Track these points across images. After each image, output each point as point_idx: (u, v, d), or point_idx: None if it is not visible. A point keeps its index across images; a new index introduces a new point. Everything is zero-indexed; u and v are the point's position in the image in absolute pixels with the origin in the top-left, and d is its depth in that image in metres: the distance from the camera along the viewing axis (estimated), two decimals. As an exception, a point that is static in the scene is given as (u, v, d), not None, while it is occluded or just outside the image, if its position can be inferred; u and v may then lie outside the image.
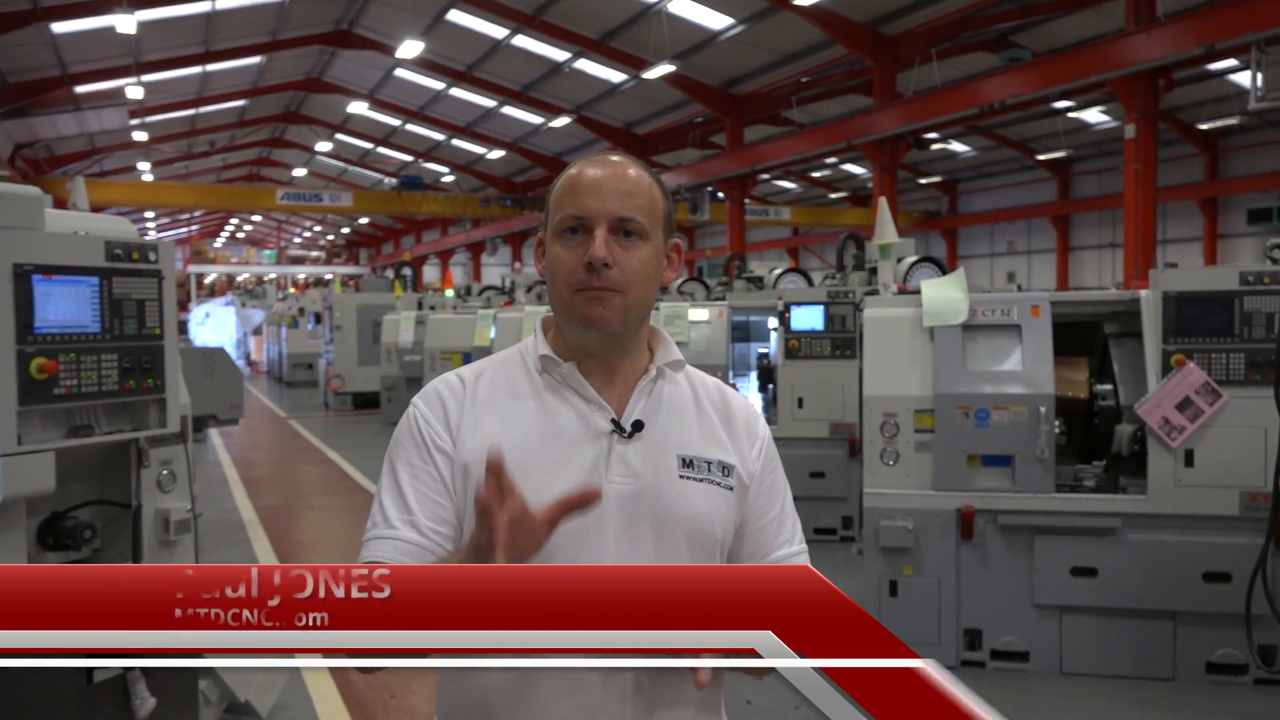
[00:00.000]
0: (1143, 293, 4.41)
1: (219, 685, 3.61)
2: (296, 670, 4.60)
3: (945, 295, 4.54)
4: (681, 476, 1.49)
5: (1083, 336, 4.88)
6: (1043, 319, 4.45)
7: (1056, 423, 4.38)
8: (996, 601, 4.46)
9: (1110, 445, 4.54)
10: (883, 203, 4.97)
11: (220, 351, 7.59)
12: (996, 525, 4.42)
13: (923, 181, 32.19)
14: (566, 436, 1.46)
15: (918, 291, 4.99)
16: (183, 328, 25.26)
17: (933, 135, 20.45)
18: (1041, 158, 28.60)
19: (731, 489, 1.53)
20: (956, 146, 28.54)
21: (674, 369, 1.56)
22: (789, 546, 1.62)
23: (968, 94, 17.11)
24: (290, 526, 8.16)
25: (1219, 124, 24.23)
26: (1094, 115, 24.82)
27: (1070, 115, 24.19)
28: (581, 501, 1.30)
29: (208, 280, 53.19)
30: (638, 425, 1.48)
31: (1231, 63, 19.23)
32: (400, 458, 1.48)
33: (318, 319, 20.82)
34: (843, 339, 7.01)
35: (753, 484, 1.57)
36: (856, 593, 5.98)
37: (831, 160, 28.79)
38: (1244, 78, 21.13)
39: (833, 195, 35.88)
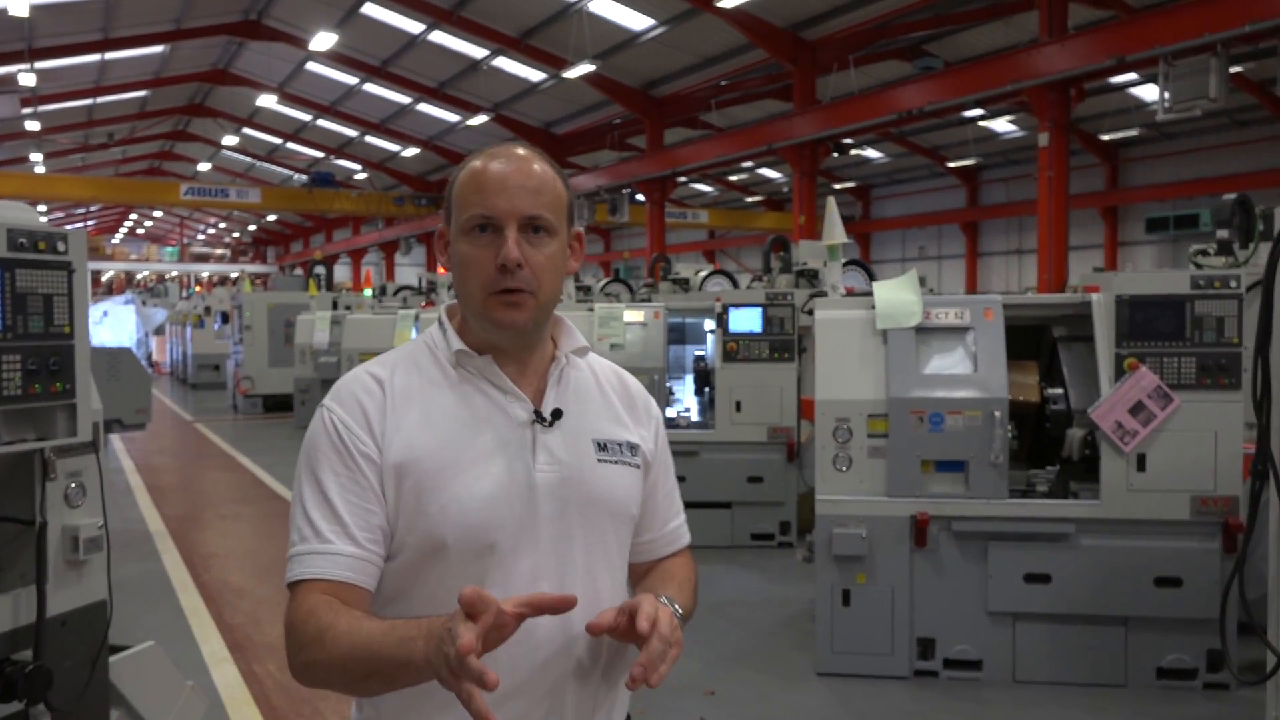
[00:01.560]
0: (1094, 296, 4.37)
1: (131, 716, 3.31)
2: (217, 698, 4.29)
3: (898, 297, 4.45)
4: (599, 460, 1.53)
5: (1030, 340, 4.84)
6: (995, 321, 4.39)
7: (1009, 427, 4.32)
8: (950, 609, 4.37)
9: (1061, 450, 4.49)
10: (831, 203, 4.86)
11: (126, 352, 7.13)
12: (950, 532, 4.34)
13: (838, 187, 32.65)
14: (490, 429, 1.46)
15: (866, 293, 4.90)
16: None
17: (849, 141, 20.67)
18: (952, 165, 29.24)
19: (639, 467, 1.59)
20: (870, 153, 29.05)
21: (579, 355, 1.61)
22: (678, 518, 1.73)
23: (887, 100, 17.32)
24: (201, 537, 7.73)
25: (1120, 135, 25.04)
26: (1002, 125, 25.51)
27: (980, 124, 24.78)
28: (558, 607, 1.27)
29: (105, 278, 51.23)
30: (557, 413, 1.50)
31: (1132, 76, 19.95)
32: (322, 466, 1.42)
33: (225, 318, 20.08)
34: (781, 341, 6.90)
35: (654, 461, 1.64)
36: (805, 601, 5.94)
37: (748, 164, 29.06)
38: (1145, 91, 21.97)
39: (749, 199, 36.19)
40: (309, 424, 1.48)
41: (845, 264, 10.67)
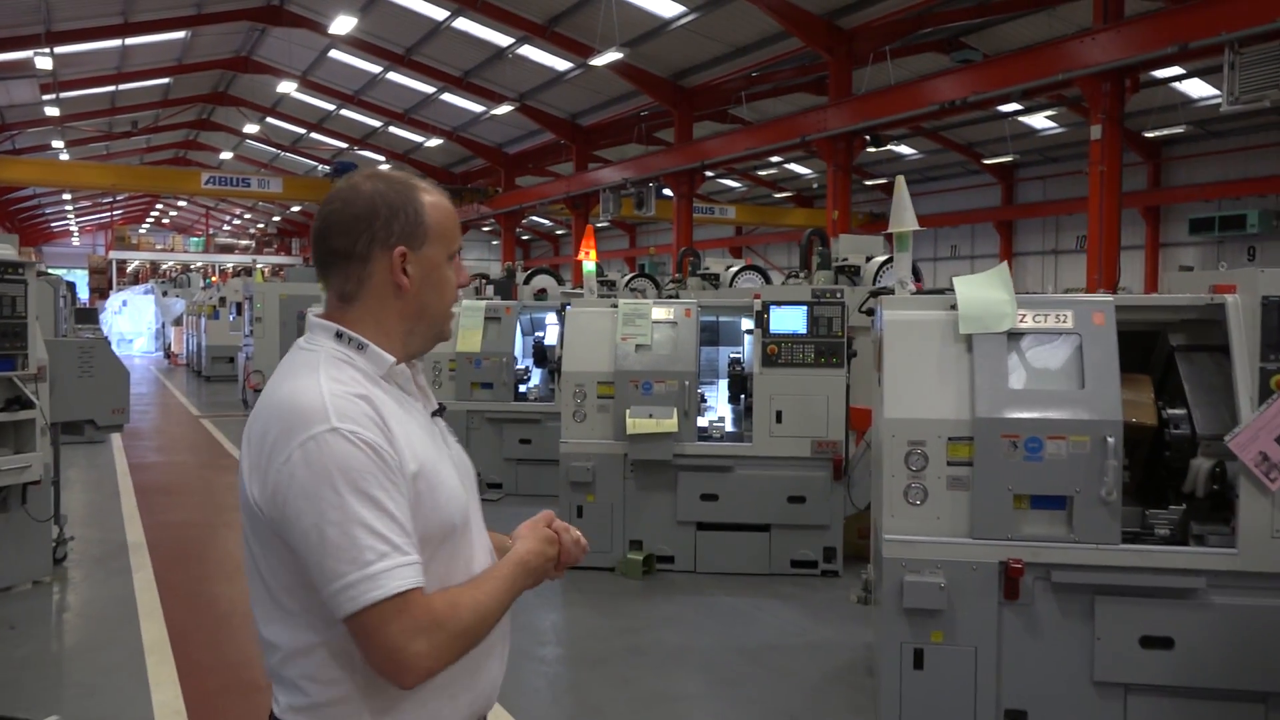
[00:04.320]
0: (1229, 298, 3.58)
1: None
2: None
3: (986, 296, 3.68)
4: (455, 440, 1.80)
5: (1139, 349, 4.06)
6: (1106, 327, 3.61)
7: (1120, 455, 3.53)
8: (1046, 677, 3.59)
9: (1181, 484, 3.71)
10: (901, 183, 4.10)
11: (100, 343, 6.47)
12: (1049, 583, 3.57)
13: (868, 184, 31.83)
14: (427, 429, 1.67)
15: (941, 290, 4.14)
16: (91, 316, 23.64)
17: (890, 133, 19.89)
18: (988, 162, 28.34)
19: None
20: (903, 149, 28.26)
21: None
22: None
23: (928, 91, 16.52)
24: (185, 553, 7.03)
25: (1164, 132, 24.11)
26: (1041, 121, 24.64)
27: (1018, 120, 23.92)
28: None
29: (130, 268, 51.13)
30: (442, 407, 1.78)
31: (1176, 70, 19.06)
32: (370, 483, 1.48)
33: (239, 309, 19.51)
34: (829, 344, 6.13)
35: None
36: (858, 647, 5.19)
37: (777, 159, 28.33)
38: (1191, 86, 21.07)
39: (778, 195, 35.41)
40: (315, 451, 1.46)
41: (886, 260, 9.92)
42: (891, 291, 4.18)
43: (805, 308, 6.16)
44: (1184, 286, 4.69)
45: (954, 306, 3.80)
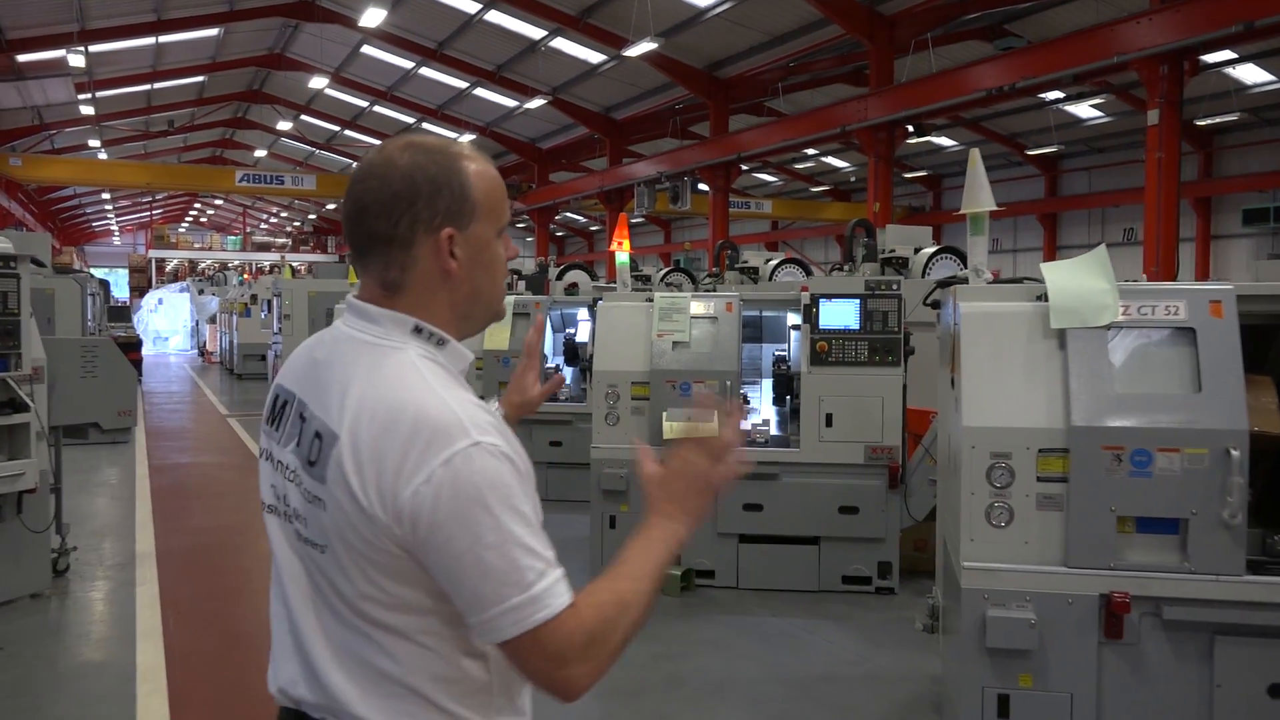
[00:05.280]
0: (1373, 286, 3.06)
1: None
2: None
3: (1082, 284, 3.17)
4: None
5: (1255, 346, 3.52)
6: (1227, 321, 3.08)
7: (1240, 470, 3.01)
8: (1156, 729, 3.09)
9: (1311, 503, 3.18)
10: (975, 156, 3.60)
11: (105, 343, 6.10)
12: (1159, 620, 3.05)
13: (907, 176, 31.18)
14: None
15: (1018, 280, 3.64)
16: (124, 314, 23.56)
17: (932, 122, 19.33)
18: (1032, 153, 27.61)
19: None
20: (943, 140, 27.64)
21: None
22: None
23: (974, 77, 15.97)
24: (196, 565, 6.64)
25: (1216, 120, 23.34)
26: (1086, 110, 23.94)
27: (1062, 108, 23.22)
28: None
29: (169, 266, 51.52)
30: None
31: (1228, 55, 18.32)
32: (519, 498, 1.39)
33: (269, 307, 19.30)
34: (884, 341, 5.62)
35: None
36: (923, 679, 4.68)
37: (812, 152, 27.82)
38: (1245, 72, 20.27)
39: (814, 189, 34.83)
40: (472, 466, 1.35)
41: (936, 251, 9.40)
42: (962, 281, 3.68)
43: (858, 301, 5.65)
44: (1274, 275, 4.20)
45: (1040, 297, 3.30)
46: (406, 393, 1.40)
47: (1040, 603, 3.11)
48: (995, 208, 3.64)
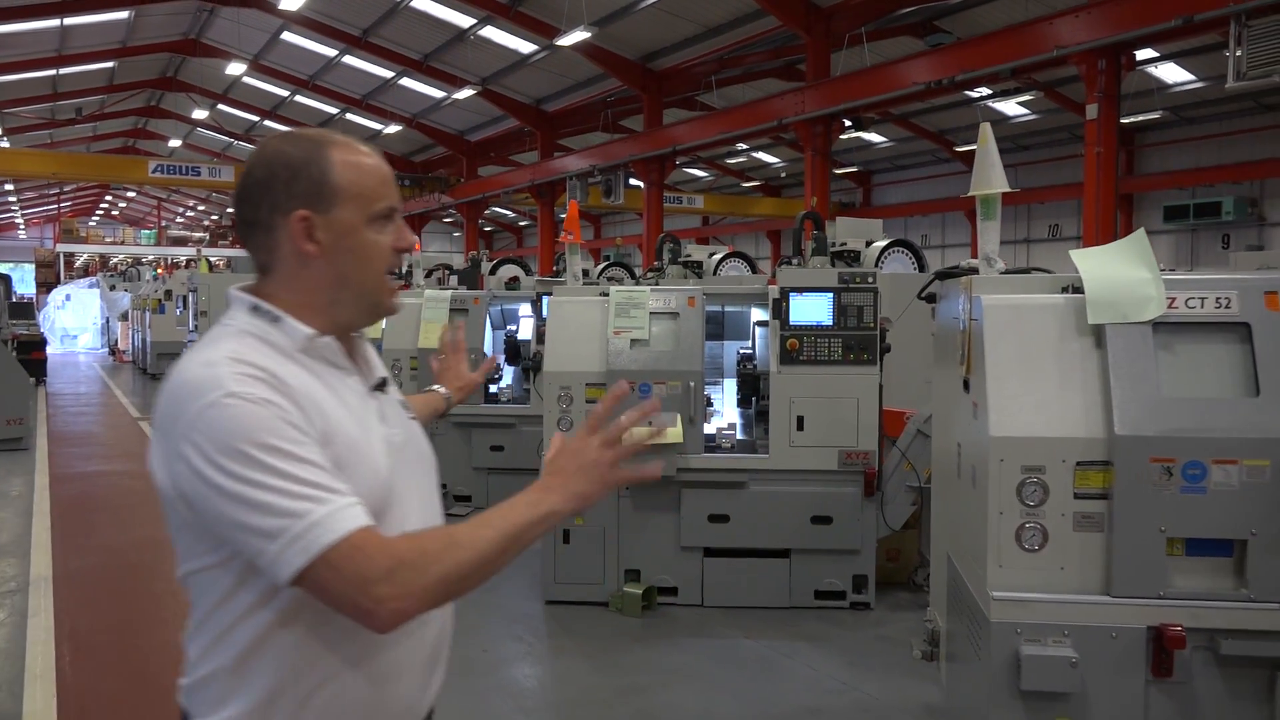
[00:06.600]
0: None
1: None
2: None
3: (1121, 274, 2.80)
4: (410, 418, 1.71)
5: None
6: (1285, 316, 2.74)
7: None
8: (1212, 779, 2.74)
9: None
10: (986, 131, 3.24)
11: (-5, 346, 5.42)
12: (1214, 654, 2.70)
13: (838, 172, 31.21)
14: (350, 404, 1.54)
15: (1025, 270, 3.27)
16: (28, 311, 22.28)
17: (870, 115, 19.25)
18: (960, 149, 27.81)
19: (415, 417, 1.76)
20: (873, 137, 27.75)
21: None
22: None
23: (912, 71, 15.87)
24: (99, 590, 5.98)
25: (1139, 119, 23.73)
26: (1012, 107, 24.17)
27: (988, 105, 23.37)
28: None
29: (79, 262, 49.48)
30: (384, 381, 1.67)
31: (1150, 53, 18.53)
32: (279, 437, 1.37)
33: (184, 303, 18.35)
34: (859, 338, 5.24)
35: None
36: (917, 709, 4.08)
37: (744, 146, 27.65)
38: (1165, 71, 20.55)
39: (745, 184, 34.75)
40: (214, 419, 1.36)
41: (888, 245, 9.11)
42: (972, 271, 3.29)
43: (831, 295, 5.27)
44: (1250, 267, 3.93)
45: (1067, 289, 2.93)
46: (185, 368, 1.45)
47: (1080, 637, 2.73)
48: (1008, 189, 3.27)
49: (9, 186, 43.02)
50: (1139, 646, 2.71)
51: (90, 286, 33.48)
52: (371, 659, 1.49)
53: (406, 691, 1.56)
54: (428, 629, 1.58)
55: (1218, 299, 2.77)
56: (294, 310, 1.53)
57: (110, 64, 27.28)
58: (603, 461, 1.50)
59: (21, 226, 57.21)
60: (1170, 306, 2.77)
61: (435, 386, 2.29)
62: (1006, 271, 3.29)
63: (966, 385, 3.13)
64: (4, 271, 21.44)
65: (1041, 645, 2.73)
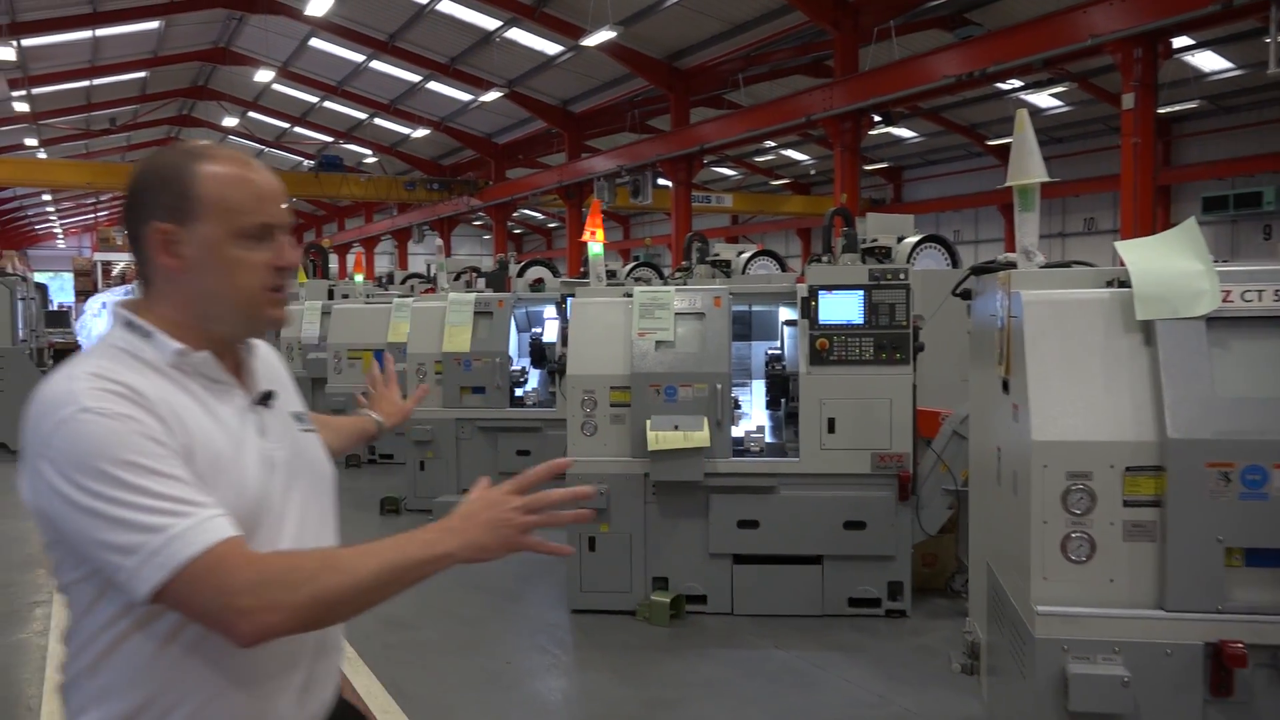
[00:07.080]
0: None
1: None
2: None
3: (1171, 267, 2.63)
4: (302, 431, 1.68)
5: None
6: (1349, 309, 2.56)
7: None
8: (1275, 806, 2.56)
9: None
10: (1023, 118, 3.06)
11: (15, 354, 5.41)
12: (1277, 673, 2.52)
13: (868, 168, 30.90)
14: (225, 420, 1.52)
15: (1065, 264, 3.10)
16: (63, 320, 22.52)
17: (900, 110, 19.03)
18: (992, 143, 27.43)
19: (316, 431, 1.76)
20: (902, 132, 27.44)
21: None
22: None
23: (942, 63, 15.62)
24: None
25: (1176, 109, 23.28)
26: (1045, 99, 23.77)
27: (1021, 98, 23.02)
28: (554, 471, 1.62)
29: (116, 270, 50.04)
30: (270, 394, 1.63)
31: (1186, 41, 18.13)
32: (134, 453, 1.36)
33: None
34: (892, 337, 5.08)
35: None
36: None
37: (772, 144, 27.46)
38: (1203, 59, 20.11)
39: (774, 182, 34.52)
40: (68, 435, 1.35)
41: (920, 241, 8.91)
42: (1009, 265, 3.13)
43: (862, 293, 5.10)
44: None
45: (1112, 283, 2.76)
46: (47, 383, 1.44)
47: (1131, 654, 2.56)
48: (1047, 178, 3.10)
49: (47, 197, 43.61)
50: (1196, 664, 2.54)
51: (126, 294, 33.90)
52: (245, 680, 1.47)
53: (280, 716, 1.53)
54: (301, 652, 1.55)
55: (1276, 291, 2.59)
56: (167, 325, 1.51)
57: (142, 74, 27.55)
58: (515, 523, 1.49)
59: (60, 236, 58.05)
60: (1224, 300, 2.60)
61: (367, 411, 2.29)
62: (1046, 265, 3.12)
63: (1006, 386, 2.97)
64: (41, 281, 21.62)
65: (1090, 663, 2.57)
